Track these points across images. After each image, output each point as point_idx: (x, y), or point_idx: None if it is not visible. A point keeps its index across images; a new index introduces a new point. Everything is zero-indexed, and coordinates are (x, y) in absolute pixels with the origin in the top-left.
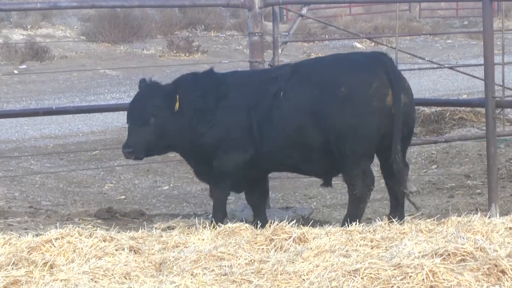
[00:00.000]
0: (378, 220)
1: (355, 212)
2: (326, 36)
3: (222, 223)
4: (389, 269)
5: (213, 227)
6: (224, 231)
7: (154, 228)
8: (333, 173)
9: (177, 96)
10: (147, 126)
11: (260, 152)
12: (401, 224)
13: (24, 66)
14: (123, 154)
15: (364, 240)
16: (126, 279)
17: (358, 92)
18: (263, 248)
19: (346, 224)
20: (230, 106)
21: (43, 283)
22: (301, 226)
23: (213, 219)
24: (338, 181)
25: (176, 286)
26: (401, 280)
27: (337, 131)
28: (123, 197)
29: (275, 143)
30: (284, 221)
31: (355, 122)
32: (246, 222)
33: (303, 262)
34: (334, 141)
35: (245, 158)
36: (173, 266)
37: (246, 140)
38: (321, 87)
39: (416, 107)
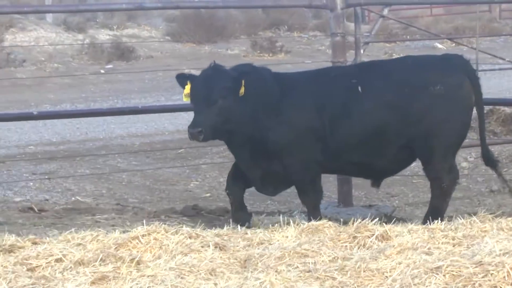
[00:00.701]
0: (460, 218)
1: (440, 205)
2: (407, 37)
3: None
4: (471, 266)
5: None
6: (308, 229)
7: (239, 225)
8: (389, 174)
9: (243, 81)
10: (215, 107)
11: (328, 151)
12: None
13: (110, 66)
14: (189, 135)
15: (445, 238)
16: (212, 275)
17: (455, 90)
18: (346, 246)
19: (430, 218)
20: (295, 103)
21: (130, 279)
22: (384, 224)
23: None
24: (420, 179)
25: (260, 282)
26: (482, 277)
27: (432, 126)
28: (208, 194)
29: (350, 140)
30: (367, 219)
31: (452, 118)
32: (329, 220)
33: (385, 259)
34: (423, 136)
35: (315, 157)
36: (257, 263)
37: (315, 139)
38: (413, 84)
39: (496, 107)
